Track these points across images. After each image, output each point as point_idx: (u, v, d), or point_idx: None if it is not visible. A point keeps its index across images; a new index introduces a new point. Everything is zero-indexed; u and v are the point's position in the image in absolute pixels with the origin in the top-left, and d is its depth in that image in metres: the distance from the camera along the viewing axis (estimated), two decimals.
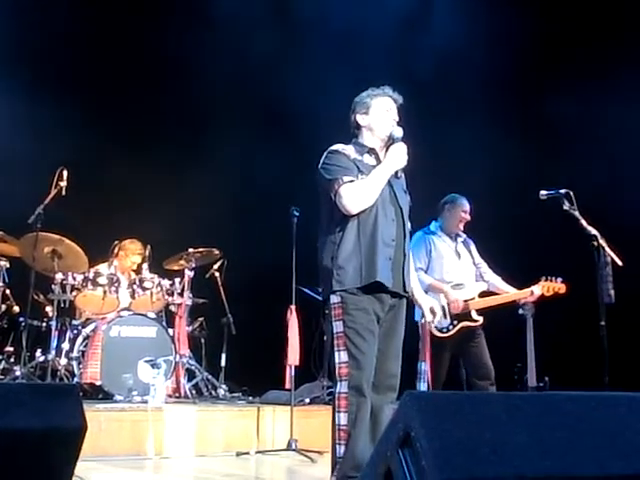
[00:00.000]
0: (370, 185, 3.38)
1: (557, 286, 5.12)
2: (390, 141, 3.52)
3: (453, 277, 5.22)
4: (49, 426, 2.50)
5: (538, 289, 5.11)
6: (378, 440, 2.41)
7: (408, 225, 3.55)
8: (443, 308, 5.11)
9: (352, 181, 3.38)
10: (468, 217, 5.32)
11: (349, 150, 3.51)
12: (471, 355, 5.14)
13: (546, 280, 5.13)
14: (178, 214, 7.29)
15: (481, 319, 5.16)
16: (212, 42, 7.67)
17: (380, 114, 3.54)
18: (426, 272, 5.19)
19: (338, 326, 3.34)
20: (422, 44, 7.69)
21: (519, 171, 7.20)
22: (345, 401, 3.24)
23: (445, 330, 5.10)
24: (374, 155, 3.54)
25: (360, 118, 3.58)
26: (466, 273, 5.30)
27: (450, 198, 5.36)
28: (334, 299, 3.36)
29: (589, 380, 3.96)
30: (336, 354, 3.32)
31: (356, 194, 3.36)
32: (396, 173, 3.48)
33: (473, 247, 5.45)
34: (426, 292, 5.14)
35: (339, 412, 3.25)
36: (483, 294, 5.27)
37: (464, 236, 5.42)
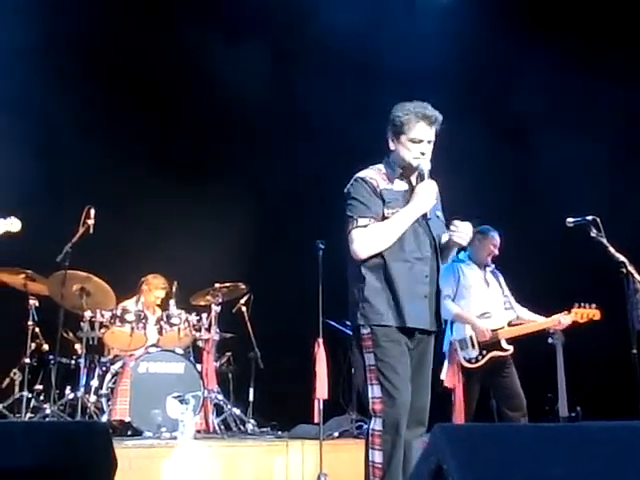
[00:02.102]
0: (387, 231, 3.23)
1: (591, 312, 5.05)
2: (418, 173, 3.33)
3: (481, 305, 5.20)
4: (80, 464, 2.50)
5: (568, 318, 5.05)
6: (409, 475, 2.38)
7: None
8: (471, 338, 5.08)
9: (366, 226, 3.23)
10: (496, 252, 5.33)
11: (377, 178, 3.33)
12: (502, 386, 5.08)
13: (579, 307, 5.06)
14: (204, 249, 7.32)
15: (511, 348, 5.12)
16: (241, 71, 7.65)
17: (408, 146, 3.31)
18: (454, 300, 5.17)
19: (370, 359, 3.21)
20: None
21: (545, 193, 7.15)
22: (379, 439, 3.13)
23: (474, 360, 5.05)
24: (406, 179, 3.38)
25: (390, 140, 3.39)
26: (495, 302, 5.27)
27: (482, 229, 5.32)
28: (364, 330, 3.25)
29: (622, 409, 3.89)
30: (369, 388, 3.20)
31: (366, 241, 3.23)
32: (424, 215, 3.28)
33: (502, 279, 5.43)
34: (453, 322, 5.17)
35: (373, 449, 3.14)
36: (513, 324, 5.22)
37: (492, 266, 5.41)
